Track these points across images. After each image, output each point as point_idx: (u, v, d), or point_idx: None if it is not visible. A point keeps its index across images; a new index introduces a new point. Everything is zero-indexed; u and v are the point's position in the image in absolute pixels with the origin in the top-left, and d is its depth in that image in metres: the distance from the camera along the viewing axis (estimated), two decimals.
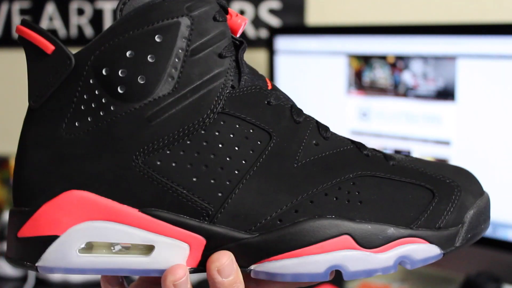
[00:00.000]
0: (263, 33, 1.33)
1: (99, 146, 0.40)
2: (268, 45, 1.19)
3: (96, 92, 0.40)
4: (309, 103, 1.12)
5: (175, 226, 0.40)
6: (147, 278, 0.45)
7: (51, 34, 0.41)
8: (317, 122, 0.44)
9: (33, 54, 0.41)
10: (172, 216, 0.40)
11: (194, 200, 0.40)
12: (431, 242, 0.41)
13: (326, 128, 0.44)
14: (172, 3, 0.40)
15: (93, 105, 0.40)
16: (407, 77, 1.03)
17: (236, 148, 0.41)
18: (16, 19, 1.51)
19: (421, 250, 0.41)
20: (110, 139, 0.40)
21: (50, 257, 0.40)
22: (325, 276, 0.40)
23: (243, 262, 0.40)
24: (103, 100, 0.40)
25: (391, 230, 0.41)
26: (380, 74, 1.06)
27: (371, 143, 1.08)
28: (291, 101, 0.44)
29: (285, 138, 0.42)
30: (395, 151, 1.05)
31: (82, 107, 0.40)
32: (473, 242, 0.43)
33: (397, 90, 1.04)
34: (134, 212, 0.40)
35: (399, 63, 1.03)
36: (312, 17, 1.31)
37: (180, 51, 0.40)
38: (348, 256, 0.40)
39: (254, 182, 0.40)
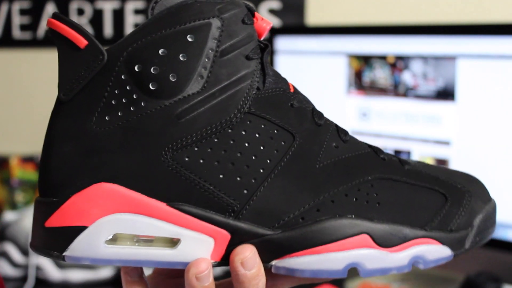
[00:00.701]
0: None
1: (129, 140, 0.41)
2: None
3: (128, 88, 0.41)
4: None
5: (201, 221, 0.41)
6: (162, 271, 0.47)
7: (84, 29, 0.41)
8: (336, 125, 0.45)
9: (66, 48, 0.41)
10: (198, 211, 0.41)
11: (221, 196, 0.41)
12: (443, 244, 0.43)
13: (345, 132, 0.45)
14: (204, 4, 0.42)
15: (124, 100, 0.41)
16: (407, 77, 1.03)
17: (262, 148, 0.42)
18: (16, 19, 1.51)
19: (434, 251, 0.43)
20: (140, 134, 0.41)
21: (77, 247, 0.41)
22: (344, 273, 0.41)
23: (265, 258, 0.42)
24: (134, 96, 0.41)
25: (407, 231, 0.43)
26: (380, 74, 1.06)
27: (371, 143, 1.08)
28: (312, 104, 0.45)
29: (308, 140, 0.43)
30: (395, 152, 1.05)
31: (113, 102, 0.41)
32: (481, 245, 0.46)
33: (397, 90, 1.04)
34: (162, 206, 0.41)
35: (399, 63, 1.03)
36: (312, 17, 1.31)
37: (210, 51, 0.41)
38: (366, 255, 0.42)
39: (278, 181, 0.42)
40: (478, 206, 0.45)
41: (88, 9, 1.46)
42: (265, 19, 0.45)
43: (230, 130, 0.42)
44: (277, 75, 0.45)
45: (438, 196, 0.44)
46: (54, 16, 0.42)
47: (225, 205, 0.41)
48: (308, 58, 1.14)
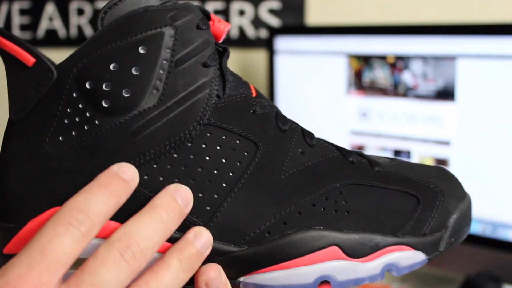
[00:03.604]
0: (263, 33, 1.33)
1: (84, 161, 0.39)
2: (268, 45, 1.19)
3: (80, 106, 0.39)
4: (309, 103, 1.12)
5: (165, 242, 0.39)
6: None
7: (31, 46, 0.39)
8: (302, 129, 0.44)
9: (13, 66, 0.39)
10: None
11: None
12: (416, 249, 0.42)
13: (311, 135, 0.44)
14: (155, 13, 0.39)
15: (77, 119, 0.39)
16: (407, 77, 1.03)
17: (223, 161, 0.40)
18: (16, 19, 1.51)
19: (407, 257, 0.42)
20: (95, 154, 0.39)
21: None
22: (314, 286, 0.40)
23: (233, 275, 0.41)
24: (87, 114, 0.39)
25: (378, 239, 0.41)
26: (380, 74, 1.06)
27: (371, 143, 1.08)
28: (276, 108, 0.44)
29: (272, 148, 0.41)
30: (395, 151, 1.05)
31: (66, 121, 0.39)
32: (456, 245, 0.44)
33: (397, 90, 1.04)
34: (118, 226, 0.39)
35: (399, 63, 1.03)
36: (312, 17, 1.31)
37: (164, 62, 0.39)
38: (336, 267, 0.40)
39: (242, 195, 0.40)
40: (452, 205, 0.43)
41: (88, 9, 1.46)
42: (223, 21, 0.43)
43: (189, 144, 0.39)
44: (238, 79, 0.43)
45: (410, 199, 0.43)
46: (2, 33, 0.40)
47: (189, 223, 0.39)
48: (308, 58, 1.14)
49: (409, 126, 1.03)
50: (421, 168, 0.45)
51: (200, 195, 0.40)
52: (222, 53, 0.42)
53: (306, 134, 0.43)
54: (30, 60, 0.39)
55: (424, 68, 1.01)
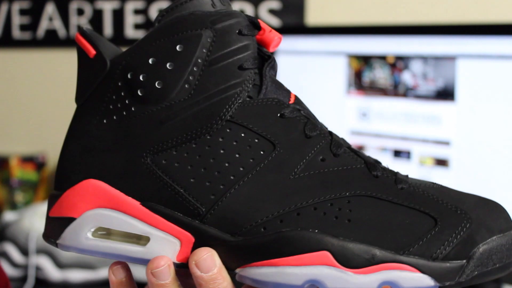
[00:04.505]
0: None
1: (117, 142, 0.44)
2: None
3: (122, 94, 0.44)
4: (309, 103, 1.12)
5: (168, 222, 0.42)
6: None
7: (98, 39, 0.45)
8: (333, 139, 0.44)
9: (81, 58, 0.46)
10: (167, 211, 0.43)
11: (189, 199, 0.42)
12: (423, 272, 0.39)
13: (339, 145, 0.44)
14: (198, 16, 0.43)
15: (119, 105, 0.44)
16: (407, 77, 1.03)
17: (237, 155, 0.42)
18: (16, 19, 1.51)
19: (410, 278, 0.39)
20: (126, 137, 0.44)
21: (67, 236, 0.44)
22: None
23: (230, 264, 0.42)
24: (127, 101, 0.44)
25: (376, 253, 0.40)
26: (380, 74, 1.06)
27: (371, 143, 1.08)
28: (312, 117, 0.45)
29: (289, 151, 0.43)
30: (395, 152, 1.05)
31: (111, 107, 0.44)
32: (485, 280, 0.40)
33: (397, 90, 1.04)
34: (136, 204, 0.43)
35: (399, 63, 1.03)
36: (312, 17, 1.31)
37: (199, 60, 0.43)
38: (326, 273, 0.40)
39: (245, 189, 0.42)
40: (480, 235, 0.40)
41: (88, 9, 1.46)
42: (274, 31, 0.45)
43: (208, 137, 0.43)
44: (279, 86, 0.45)
45: (426, 219, 0.41)
46: (79, 29, 0.46)
47: (192, 208, 0.42)
48: (308, 58, 1.14)
49: (409, 126, 1.03)
50: (459, 194, 0.43)
51: (207, 183, 0.42)
52: (266, 60, 0.45)
53: (334, 144, 0.43)
54: (91, 52, 0.45)
55: (424, 68, 1.01)
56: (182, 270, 0.43)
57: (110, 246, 0.43)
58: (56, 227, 0.45)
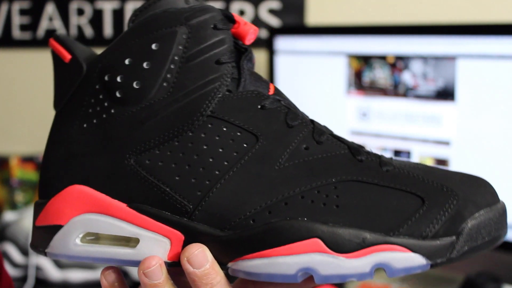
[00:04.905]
0: (263, 33, 1.33)
1: (99, 145, 0.43)
2: (268, 45, 1.19)
3: (100, 97, 0.44)
4: (309, 103, 1.12)
5: (157, 221, 0.42)
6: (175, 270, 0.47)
7: (73, 44, 0.45)
8: (314, 126, 0.44)
9: (56, 63, 0.46)
10: (155, 211, 0.42)
11: (175, 197, 0.42)
12: (414, 251, 0.39)
13: (322, 133, 0.44)
14: (171, 14, 0.43)
15: (98, 109, 0.44)
16: (407, 77, 1.03)
17: (220, 150, 0.42)
18: (16, 19, 1.51)
19: (402, 258, 0.39)
20: (108, 139, 0.43)
21: (55, 244, 0.44)
22: (296, 278, 0.40)
23: (222, 259, 0.42)
24: (105, 104, 0.43)
25: (366, 236, 0.40)
26: (380, 74, 1.06)
27: (371, 143, 1.08)
28: (293, 106, 0.45)
29: (272, 142, 0.43)
30: (395, 152, 1.05)
31: (90, 110, 0.44)
32: (475, 255, 0.40)
33: (397, 90, 1.04)
34: (123, 206, 0.43)
35: (399, 63, 1.03)
36: (312, 17, 1.31)
37: (176, 58, 0.43)
38: (318, 260, 0.40)
39: (231, 183, 0.42)
40: (468, 210, 0.40)
41: (88, 9, 1.46)
42: (249, 24, 0.45)
43: (190, 133, 0.42)
44: (257, 78, 0.45)
45: (413, 199, 0.41)
46: (53, 36, 0.46)
47: (180, 206, 0.42)
48: (308, 58, 1.14)
49: (409, 126, 1.03)
50: (444, 172, 0.43)
51: (193, 180, 0.42)
52: (243, 53, 0.45)
53: (317, 131, 0.44)
54: (67, 56, 0.45)
55: (424, 68, 1.01)
56: (175, 268, 0.43)
57: (100, 251, 0.43)
58: (43, 236, 0.44)
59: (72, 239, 0.43)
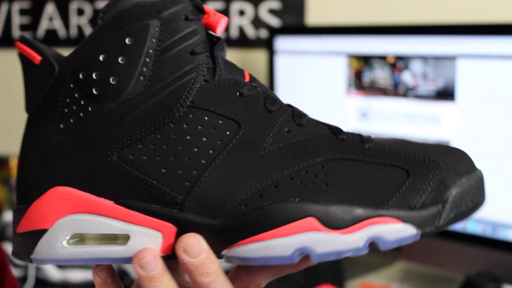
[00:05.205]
0: (263, 33, 1.33)
1: (79, 145, 0.43)
2: (268, 45, 1.19)
3: (76, 95, 0.43)
4: (309, 103, 1.12)
5: (147, 216, 0.42)
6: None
7: (41, 45, 0.44)
8: (293, 110, 0.45)
9: (25, 66, 0.45)
10: (144, 206, 0.42)
11: (164, 190, 0.42)
12: (404, 222, 0.40)
13: (301, 115, 0.44)
14: (141, 7, 0.43)
15: (74, 108, 0.43)
16: (407, 77, 1.03)
17: (204, 139, 0.42)
18: (16, 19, 1.51)
19: (394, 230, 0.40)
20: (88, 138, 0.43)
21: (41, 249, 0.43)
22: (293, 259, 0.40)
23: (215, 248, 0.42)
24: (82, 102, 0.43)
25: (359, 211, 0.40)
26: (380, 74, 1.06)
27: None
28: (270, 92, 0.45)
29: (255, 127, 0.43)
30: None
31: (66, 110, 0.43)
32: (460, 221, 0.42)
33: (397, 90, 1.04)
34: (110, 204, 0.42)
35: (399, 63, 1.03)
36: (312, 17, 1.31)
37: (150, 51, 0.43)
38: (314, 238, 0.40)
39: (219, 170, 0.42)
40: (450, 179, 0.42)
41: (88, 9, 1.46)
42: (219, 13, 0.45)
43: (172, 125, 0.42)
44: (231, 67, 0.45)
45: (399, 172, 0.42)
46: (20, 39, 0.45)
47: (169, 198, 0.42)
48: (308, 58, 1.14)
49: (409, 126, 1.03)
50: (423, 145, 0.44)
51: (179, 171, 0.42)
52: (215, 43, 0.45)
53: (296, 114, 0.44)
54: (37, 58, 0.44)
55: (424, 68, 1.01)
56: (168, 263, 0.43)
57: (89, 251, 0.42)
58: (27, 242, 0.43)
59: (58, 242, 0.42)
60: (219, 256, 0.42)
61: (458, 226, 1.00)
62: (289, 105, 0.45)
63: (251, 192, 0.41)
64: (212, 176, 0.42)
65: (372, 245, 0.41)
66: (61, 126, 0.43)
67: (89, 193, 0.43)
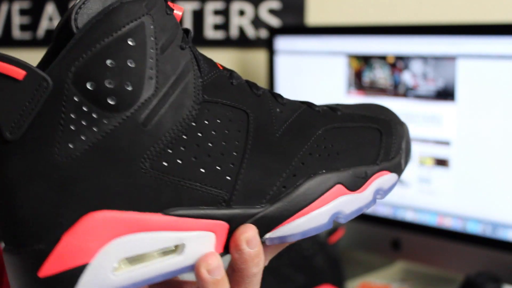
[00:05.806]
0: (263, 33, 1.33)
1: (102, 162, 0.38)
2: (268, 45, 1.19)
3: (85, 109, 0.38)
4: None
5: (198, 219, 0.41)
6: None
7: (17, 59, 0.37)
8: (269, 91, 0.46)
9: (3, 84, 0.37)
10: (193, 210, 0.41)
11: (209, 190, 0.41)
12: (391, 171, 0.48)
13: (279, 95, 0.46)
14: (131, 4, 0.39)
15: (83, 123, 0.38)
16: (407, 77, 1.03)
17: (227, 132, 0.42)
18: (16, 19, 1.51)
19: (389, 179, 0.48)
20: (111, 152, 0.38)
21: (86, 285, 0.38)
22: (329, 225, 0.44)
23: (260, 234, 0.43)
24: (94, 115, 0.38)
25: (366, 170, 0.46)
26: (380, 74, 1.06)
27: None
28: (241, 77, 0.46)
29: (258, 112, 0.44)
30: None
31: (72, 127, 0.38)
32: (408, 163, 0.51)
33: (397, 90, 1.04)
34: (157, 216, 0.39)
35: (399, 63, 1.03)
36: (312, 17, 1.31)
37: (151, 50, 0.40)
38: (344, 202, 0.45)
39: (253, 159, 0.43)
40: (401, 130, 0.50)
41: None
42: (176, 5, 0.43)
43: (194, 124, 0.41)
44: (205, 58, 0.44)
45: (374, 131, 0.48)
46: None
47: (215, 196, 0.42)
48: (308, 58, 1.14)
49: (409, 126, 1.03)
50: (365, 106, 0.51)
51: (218, 168, 0.42)
52: (187, 35, 0.44)
53: (275, 95, 0.46)
54: (20, 73, 0.37)
55: (424, 68, 1.01)
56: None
57: (147, 270, 0.39)
58: (61, 285, 0.37)
59: (107, 271, 0.38)
60: (261, 240, 0.43)
61: (458, 226, 1.00)
62: (261, 87, 0.46)
63: (285, 173, 0.43)
64: (249, 166, 0.42)
65: (376, 197, 0.47)
66: (70, 145, 0.38)
67: (129, 210, 0.38)
